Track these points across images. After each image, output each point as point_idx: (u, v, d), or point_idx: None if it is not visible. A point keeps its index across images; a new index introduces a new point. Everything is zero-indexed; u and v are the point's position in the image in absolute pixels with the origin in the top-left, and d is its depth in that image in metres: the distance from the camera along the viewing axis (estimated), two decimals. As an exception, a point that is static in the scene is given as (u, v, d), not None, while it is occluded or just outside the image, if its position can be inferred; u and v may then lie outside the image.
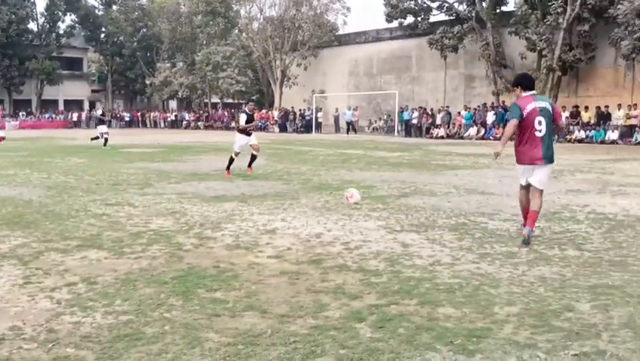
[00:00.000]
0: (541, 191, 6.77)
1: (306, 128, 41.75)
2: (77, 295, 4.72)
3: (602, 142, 27.15)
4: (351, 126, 38.47)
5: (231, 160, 13.50)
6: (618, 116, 27.98)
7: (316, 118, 42.04)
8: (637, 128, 26.95)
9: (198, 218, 8.08)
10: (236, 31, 52.32)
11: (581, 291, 4.78)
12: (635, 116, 27.19)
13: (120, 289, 4.85)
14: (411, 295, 4.70)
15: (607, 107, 28.75)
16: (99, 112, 32.30)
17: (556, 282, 5.03)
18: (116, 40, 58.79)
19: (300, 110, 43.75)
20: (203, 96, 52.65)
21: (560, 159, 17.81)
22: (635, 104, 27.90)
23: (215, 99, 53.86)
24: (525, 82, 6.95)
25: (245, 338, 3.81)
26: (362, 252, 6.16)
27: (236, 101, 54.40)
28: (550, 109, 6.74)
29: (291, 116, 43.48)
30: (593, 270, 5.42)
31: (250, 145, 13.56)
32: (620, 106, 28.30)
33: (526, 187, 6.88)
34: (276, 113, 44.50)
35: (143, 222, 7.70)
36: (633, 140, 26.58)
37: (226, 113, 50.17)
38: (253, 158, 13.80)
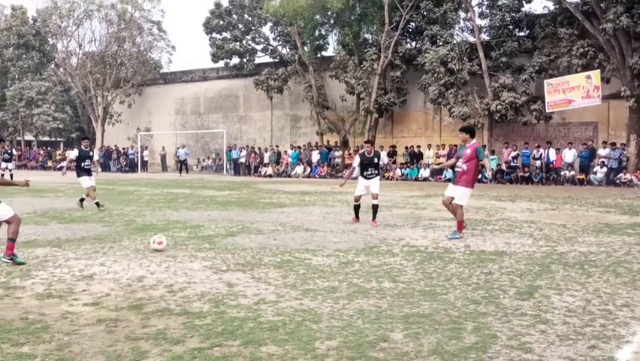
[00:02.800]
0: None
1: (131, 167, 40.31)
2: None
3: (416, 179, 29.29)
4: (184, 165, 36.90)
5: (355, 207, 12.19)
6: (429, 155, 30.46)
7: (142, 157, 40.79)
8: (446, 166, 29.40)
9: (5, 266, 7.38)
10: (53, 65, 49.41)
11: (395, 321, 5.06)
12: (444, 155, 29.73)
13: None
14: (235, 335, 4.67)
15: (419, 147, 31.18)
16: None
17: (373, 314, 5.29)
18: None
19: (124, 148, 42.18)
20: (16, 134, 48.83)
21: (379, 196, 18.92)
22: (444, 144, 30.58)
23: (29, 137, 50.15)
24: (473, 131, 10.32)
25: (54, 395, 3.53)
26: (186, 294, 6.02)
27: (53, 139, 51.09)
28: None
29: (114, 155, 41.74)
30: (406, 300, 5.77)
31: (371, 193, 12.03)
32: (430, 146, 30.86)
33: None
34: (96, 152, 42.39)
35: (-63, 274, 6.88)
36: (443, 177, 28.96)
37: (41, 152, 46.88)
38: (374, 208, 11.92)
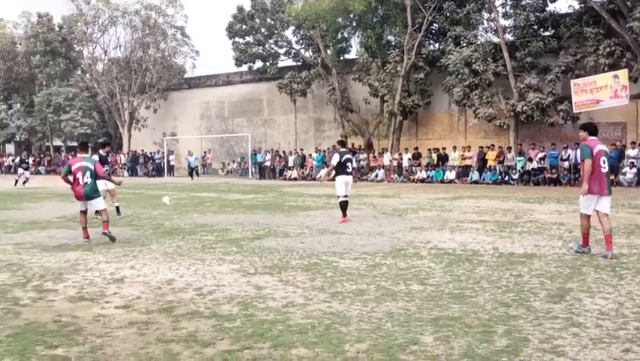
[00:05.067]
0: (608, 215, 8.30)
1: (158, 171, 40.70)
2: None
3: (442, 181, 29.08)
4: (195, 171, 36.89)
5: (342, 204, 12.79)
6: (454, 157, 30.24)
7: (168, 161, 41.17)
8: (472, 168, 29.22)
9: (38, 270, 7.53)
10: (79, 72, 50.13)
11: (424, 324, 5.04)
12: (470, 157, 29.52)
13: (-56, 354, 4.38)
14: (264, 338, 4.70)
15: (444, 149, 30.98)
16: None
17: (402, 316, 5.27)
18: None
19: (150, 153, 42.65)
20: (45, 139, 49.63)
21: (405, 198, 18.89)
22: (469, 146, 30.33)
23: (58, 142, 50.95)
24: (591, 128, 8.74)
25: (89, 396, 3.58)
26: (215, 297, 6.07)
27: (81, 144, 51.77)
28: (608, 152, 8.68)
29: (141, 160, 42.20)
30: (435, 303, 5.75)
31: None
32: (455, 148, 30.64)
33: (589, 216, 8.36)
34: (123, 157, 42.96)
35: (-28, 278, 7.03)
36: (469, 179, 28.76)
37: (70, 157, 47.48)
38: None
